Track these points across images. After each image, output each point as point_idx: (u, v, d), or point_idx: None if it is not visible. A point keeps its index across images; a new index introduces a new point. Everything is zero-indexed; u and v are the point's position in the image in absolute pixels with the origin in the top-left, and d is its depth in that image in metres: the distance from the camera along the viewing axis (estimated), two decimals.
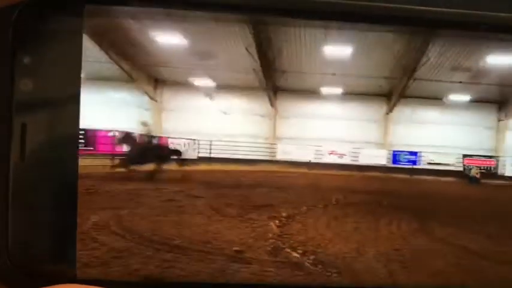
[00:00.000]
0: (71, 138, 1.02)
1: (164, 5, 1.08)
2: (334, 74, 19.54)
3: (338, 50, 17.12)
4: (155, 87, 21.63)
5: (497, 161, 21.91)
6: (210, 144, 21.25)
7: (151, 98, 21.53)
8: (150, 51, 17.53)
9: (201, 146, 21.32)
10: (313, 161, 21.43)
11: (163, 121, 22.13)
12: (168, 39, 16.46)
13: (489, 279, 4.27)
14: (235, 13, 1.08)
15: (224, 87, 21.37)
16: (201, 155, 21.24)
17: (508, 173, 21.27)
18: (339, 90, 21.41)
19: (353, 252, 4.91)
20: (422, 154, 21.89)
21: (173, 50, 17.41)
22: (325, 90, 21.34)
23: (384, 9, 0.98)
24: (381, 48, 16.76)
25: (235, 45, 16.85)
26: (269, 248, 4.85)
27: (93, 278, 0.99)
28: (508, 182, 20.27)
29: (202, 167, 19.36)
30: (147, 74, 20.52)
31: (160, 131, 21.43)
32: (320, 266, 4.37)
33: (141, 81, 20.22)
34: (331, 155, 21.80)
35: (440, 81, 19.67)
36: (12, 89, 0.95)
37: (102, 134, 16.12)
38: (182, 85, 21.47)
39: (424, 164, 21.86)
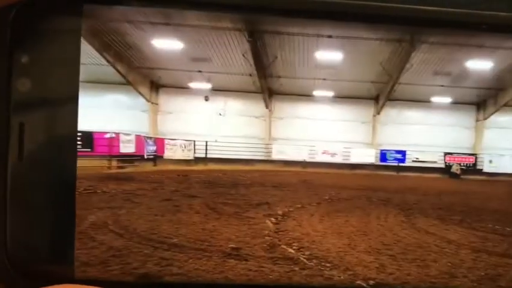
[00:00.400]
0: (69, 138, 0.96)
1: (162, 4, 1.00)
2: (325, 79, 19.71)
3: (329, 56, 17.18)
4: (151, 90, 21.49)
5: (476, 158, 22.16)
6: (206, 145, 21.17)
7: (148, 100, 21.38)
8: (147, 54, 17.44)
9: (197, 147, 21.27)
10: (307, 160, 21.53)
11: (159, 123, 22.04)
12: (166, 43, 16.35)
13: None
14: (234, 13, 0.98)
15: (220, 90, 21.36)
16: (197, 155, 21.21)
17: (485, 169, 21.71)
18: (330, 94, 21.60)
19: (345, 247, 4.84)
20: (408, 152, 22.12)
21: (171, 54, 17.33)
22: (317, 93, 21.49)
23: (382, 9, 0.91)
24: (369, 55, 16.90)
25: (232, 51, 16.83)
26: (265, 245, 4.76)
27: (91, 278, 0.94)
28: (485, 177, 20.62)
29: (199, 167, 19.34)
30: (143, 77, 20.38)
31: (156, 132, 21.36)
32: (315, 261, 4.29)
33: (136, 84, 20.07)
34: (324, 154, 21.91)
35: (423, 85, 19.87)
36: (10, 88, 0.90)
37: (100, 135, 15.93)
38: (179, 88, 21.41)
39: (410, 162, 22.13)
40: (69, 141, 0.96)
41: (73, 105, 0.95)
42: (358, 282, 3.74)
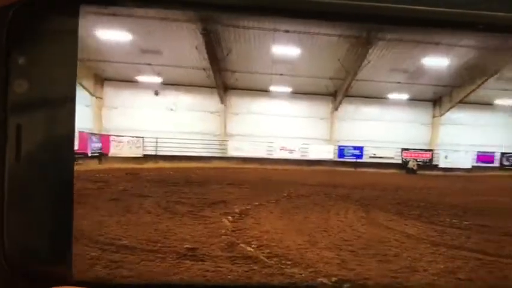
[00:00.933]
0: (66, 139, 0.98)
1: (158, 5, 1.01)
2: (282, 75, 19.88)
3: (286, 51, 17.30)
4: (95, 83, 20.74)
5: (432, 153, 23.28)
6: (156, 142, 20.76)
7: (91, 94, 20.61)
8: (91, 46, 16.75)
9: (146, 144, 20.81)
10: (264, 156, 21.67)
11: (104, 118, 21.35)
12: (112, 34, 15.75)
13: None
14: (233, 13, 1.01)
15: (172, 84, 20.98)
16: (146, 152, 20.76)
17: (441, 165, 22.99)
18: (288, 90, 21.85)
19: (306, 244, 4.90)
20: (365, 149, 22.86)
21: (118, 46, 16.76)
22: (274, 89, 21.67)
23: (380, 9, 0.93)
24: (327, 51, 17.20)
25: (184, 44, 16.53)
26: (222, 244, 4.72)
27: (90, 280, 0.97)
28: (441, 173, 21.91)
29: (149, 164, 18.92)
30: (86, 69, 19.62)
31: (100, 128, 20.68)
32: (275, 259, 4.29)
33: (79, 77, 19.28)
34: (282, 150, 22.17)
35: (380, 81, 20.55)
36: (7, 89, 0.93)
37: None
38: (126, 81, 20.81)
39: (367, 158, 22.90)
40: (66, 142, 0.98)
41: (70, 106, 0.97)
42: (320, 279, 3.78)
